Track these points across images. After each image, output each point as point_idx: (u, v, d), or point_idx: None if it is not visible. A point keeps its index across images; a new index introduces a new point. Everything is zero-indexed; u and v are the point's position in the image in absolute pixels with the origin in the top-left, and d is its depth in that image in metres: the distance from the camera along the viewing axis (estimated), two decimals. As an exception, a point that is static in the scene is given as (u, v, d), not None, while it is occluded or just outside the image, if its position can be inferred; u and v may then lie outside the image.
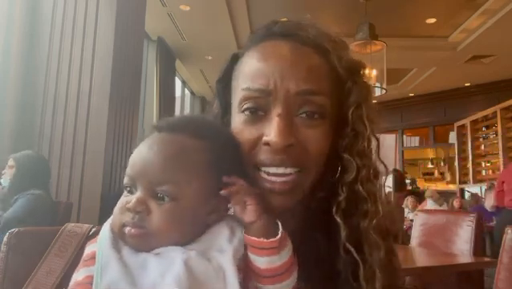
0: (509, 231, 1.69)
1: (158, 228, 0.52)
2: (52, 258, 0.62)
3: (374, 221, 0.59)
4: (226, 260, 0.51)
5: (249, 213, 0.55)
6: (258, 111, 0.60)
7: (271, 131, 0.57)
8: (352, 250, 0.59)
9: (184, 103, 9.03)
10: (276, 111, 0.58)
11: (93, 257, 0.52)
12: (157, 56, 6.39)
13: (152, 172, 0.53)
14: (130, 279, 0.48)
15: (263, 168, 0.59)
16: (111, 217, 0.56)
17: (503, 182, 3.96)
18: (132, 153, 0.57)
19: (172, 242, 0.52)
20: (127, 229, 0.52)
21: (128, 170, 0.55)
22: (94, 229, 0.65)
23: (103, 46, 3.54)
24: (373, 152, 0.64)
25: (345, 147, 0.62)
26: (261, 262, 0.53)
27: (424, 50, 6.85)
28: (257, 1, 5.52)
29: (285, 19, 0.67)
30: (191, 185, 0.54)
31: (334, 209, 0.61)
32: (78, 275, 0.52)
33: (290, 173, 0.58)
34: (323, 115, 0.60)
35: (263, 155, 0.58)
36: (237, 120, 0.62)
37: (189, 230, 0.54)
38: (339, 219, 0.60)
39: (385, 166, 0.65)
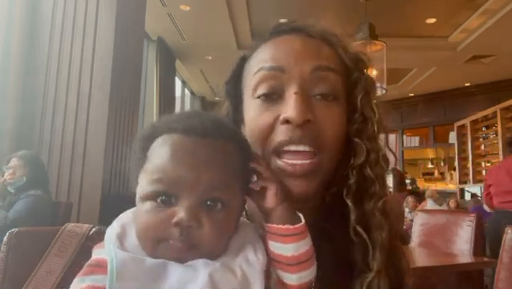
0: (510, 231, 1.69)
1: (209, 240, 0.48)
2: (52, 258, 0.62)
3: (379, 203, 0.60)
4: (255, 272, 0.49)
5: (271, 198, 0.54)
6: (272, 95, 0.61)
7: (288, 108, 0.58)
8: (361, 231, 0.59)
9: (184, 103, 9.03)
10: (292, 90, 0.59)
11: (99, 265, 0.47)
12: (157, 56, 6.38)
13: (206, 179, 0.48)
14: (149, 283, 0.45)
15: (283, 148, 0.59)
16: (120, 222, 0.53)
17: (490, 185, 3.89)
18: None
19: (218, 254, 0.50)
20: (172, 243, 0.47)
21: (167, 178, 0.48)
22: (94, 230, 0.65)
23: (103, 46, 3.54)
24: (382, 141, 0.65)
25: (355, 132, 0.63)
26: (287, 249, 0.51)
27: (424, 50, 6.84)
28: (257, 1, 5.51)
29: (284, 20, 0.70)
30: (235, 189, 0.52)
31: (344, 193, 0.62)
32: (81, 283, 0.46)
33: (310, 151, 0.59)
34: (337, 95, 0.62)
35: (281, 135, 0.59)
36: (252, 107, 0.62)
37: (230, 239, 0.52)
38: (349, 202, 0.61)
39: (394, 154, 0.66)
